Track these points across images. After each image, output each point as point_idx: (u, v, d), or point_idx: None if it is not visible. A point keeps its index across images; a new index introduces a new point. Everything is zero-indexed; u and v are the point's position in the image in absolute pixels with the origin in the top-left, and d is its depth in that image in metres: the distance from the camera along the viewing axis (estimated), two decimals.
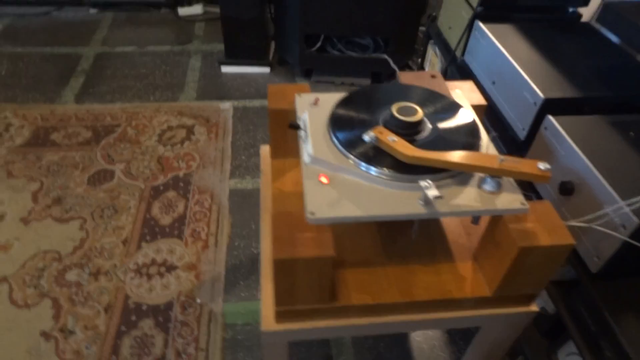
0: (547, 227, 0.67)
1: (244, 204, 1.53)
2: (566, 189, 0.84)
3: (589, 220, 0.72)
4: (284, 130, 0.90)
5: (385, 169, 0.69)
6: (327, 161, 0.72)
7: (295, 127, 0.78)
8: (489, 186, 0.70)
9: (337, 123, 0.78)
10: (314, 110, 0.82)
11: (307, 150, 0.74)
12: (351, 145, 0.73)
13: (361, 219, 0.65)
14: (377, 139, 0.71)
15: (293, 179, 0.93)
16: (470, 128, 0.78)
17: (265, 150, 1.04)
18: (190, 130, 1.83)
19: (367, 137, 0.71)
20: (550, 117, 0.93)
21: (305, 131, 0.77)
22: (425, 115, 0.77)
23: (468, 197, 0.68)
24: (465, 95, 0.91)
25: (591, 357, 0.87)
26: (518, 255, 0.65)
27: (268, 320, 0.73)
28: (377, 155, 0.72)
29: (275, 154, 0.97)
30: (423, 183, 0.65)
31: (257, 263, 1.34)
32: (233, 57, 2.20)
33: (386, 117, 0.78)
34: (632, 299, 0.80)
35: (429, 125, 0.77)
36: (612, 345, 0.82)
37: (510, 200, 0.68)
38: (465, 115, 0.80)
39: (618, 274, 0.82)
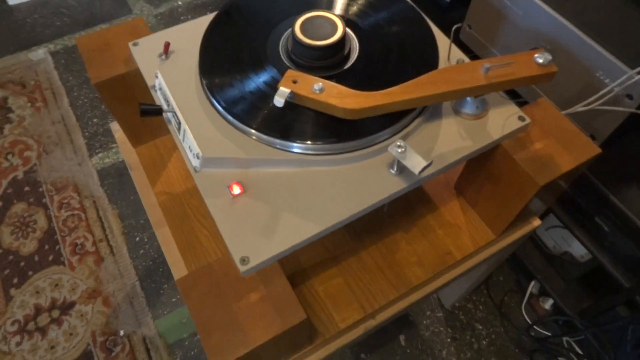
0: (562, 140, 0.48)
1: (125, 183, 1.18)
2: None
3: (590, 103, 0.55)
4: (134, 107, 0.57)
5: (325, 141, 0.43)
6: (229, 157, 0.43)
7: (151, 112, 0.46)
8: (470, 109, 0.47)
9: (217, 83, 0.47)
10: (169, 66, 0.50)
11: (189, 147, 0.44)
12: (257, 117, 0.45)
13: (322, 233, 0.41)
14: (295, 95, 0.43)
15: (179, 172, 0.62)
16: (420, 32, 0.52)
17: (119, 132, 0.69)
18: (3, 107, 1.31)
19: (279, 100, 0.42)
20: None
21: (174, 113, 0.46)
22: (348, 26, 0.49)
23: (450, 137, 0.46)
24: None
25: (579, 228, 0.79)
26: (538, 191, 0.47)
27: None
28: (301, 122, 0.44)
29: (135, 139, 0.64)
30: (394, 149, 0.41)
31: None
32: None
33: (288, 46, 0.49)
34: (630, 173, 0.69)
35: (356, 42, 0.50)
36: (612, 216, 0.74)
37: (505, 117, 0.47)
38: (405, 11, 0.53)
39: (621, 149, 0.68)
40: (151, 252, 1.07)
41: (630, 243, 0.73)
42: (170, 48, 0.51)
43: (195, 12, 1.58)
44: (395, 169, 0.43)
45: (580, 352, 0.96)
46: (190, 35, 0.52)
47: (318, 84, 0.43)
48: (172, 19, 1.56)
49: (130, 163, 0.67)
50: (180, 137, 0.46)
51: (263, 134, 0.44)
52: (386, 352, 0.96)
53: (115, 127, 0.70)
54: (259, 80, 0.47)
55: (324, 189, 0.42)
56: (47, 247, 1.06)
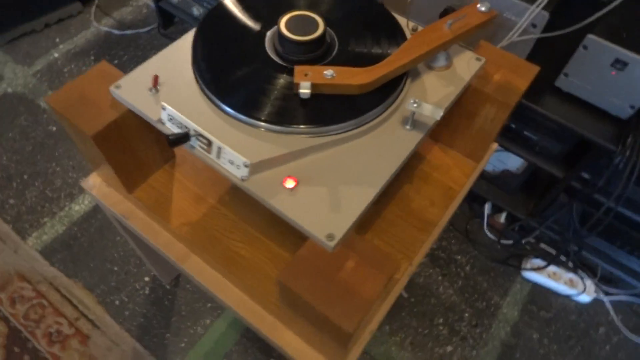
0: (510, 68, 0.60)
1: (77, 253, 1.09)
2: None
3: (510, 37, 0.68)
4: (129, 150, 0.56)
5: (348, 119, 0.49)
6: (274, 156, 0.47)
7: (180, 140, 0.47)
8: (441, 62, 0.56)
9: (230, 96, 0.50)
10: (167, 95, 0.51)
11: (229, 161, 0.46)
12: (284, 114, 0.49)
13: (377, 194, 0.47)
14: (312, 85, 0.48)
15: (188, 201, 0.63)
16: (382, 16, 0.60)
17: (96, 188, 0.66)
18: None
19: (306, 93, 0.47)
20: None
21: (199, 136, 0.48)
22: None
23: (436, 88, 0.54)
24: None
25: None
26: (510, 113, 0.58)
27: None
28: (314, 107, 0.49)
29: (131, 185, 0.62)
30: (411, 105, 0.48)
31: (162, 296, 1.02)
32: None
33: (279, 46, 0.53)
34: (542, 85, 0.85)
35: (332, 34, 0.56)
36: (535, 125, 0.90)
37: (466, 62, 0.57)
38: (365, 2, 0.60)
39: None
40: (137, 308, 1.02)
41: (555, 142, 0.91)
42: (159, 81, 0.52)
43: (77, 60, 1.48)
44: (409, 124, 0.50)
45: (543, 245, 1.14)
46: (170, 61, 0.54)
47: (328, 71, 0.48)
48: (54, 73, 1.45)
49: (122, 213, 0.65)
50: (213, 156, 0.48)
51: (295, 127, 0.48)
52: (394, 309, 1.04)
53: (91, 182, 0.67)
54: (268, 80, 0.51)
55: (361, 158, 0.48)
56: (17, 349, 0.95)
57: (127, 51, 1.51)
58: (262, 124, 0.48)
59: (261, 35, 0.55)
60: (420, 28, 0.59)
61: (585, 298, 1.08)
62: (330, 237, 0.43)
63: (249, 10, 0.58)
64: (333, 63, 0.53)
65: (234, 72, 0.52)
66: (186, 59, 0.54)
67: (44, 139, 1.28)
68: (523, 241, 1.14)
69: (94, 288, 1.04)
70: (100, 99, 0.54)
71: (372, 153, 0.48)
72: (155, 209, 0.61)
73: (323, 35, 0.51)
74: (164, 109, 0.49)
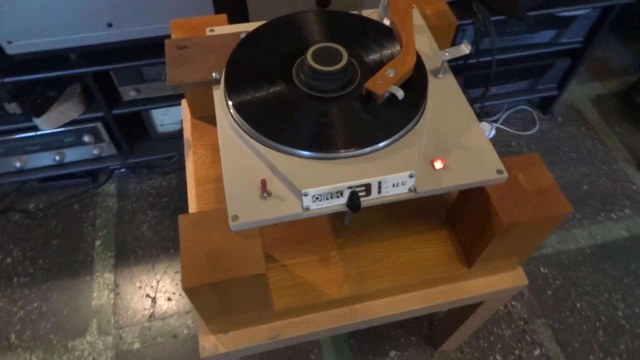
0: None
1: None
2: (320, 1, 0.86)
3: None
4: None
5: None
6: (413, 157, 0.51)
7: (357, 201, 0.47)
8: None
9: (336, 140, 0.51)
10: (275, 188, 0.49)
11: (395, 184, 0.49)
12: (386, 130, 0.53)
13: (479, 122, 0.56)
14: (381, 84, 0.52)
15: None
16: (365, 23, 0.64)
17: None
18: None
19: (402, 94, 0.52)
20: None
21: (359, 185, 0.48)
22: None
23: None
24: None
25: None
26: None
27: None
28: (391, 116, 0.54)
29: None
30: (444, 55, 0.57)
31: None
32: None
33: (311, 80, 0.55)
34: None
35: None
36: None
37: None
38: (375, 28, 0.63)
39: None
40: None
41: None
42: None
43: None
44: (440, 72, 0.60)
45: None
46: (235, 161, 0.51)
47: (388, 71, 0.54)
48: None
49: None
50: (374, 195, 0.49)
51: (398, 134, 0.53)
52: None
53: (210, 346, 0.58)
54: (343, 114, 0.53)
55: (445, 120, 0.56)
56: None
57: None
58: (381, 144, 0.52)
59: (286, 74, 0.56)
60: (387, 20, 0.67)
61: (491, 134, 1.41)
62: (499, 171, 0.52)
63: (267, 65, 0.57)
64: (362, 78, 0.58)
65: (317, 122, 0.52)
66: (247, 152, 0.51)
67: None
68: None
69: None
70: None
71: (447, 111, 0.57)
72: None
73: (344, 66, 0.55)
74: (305, 195, 0.48)
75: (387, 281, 0.61)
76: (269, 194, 0.49)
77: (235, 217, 0.47)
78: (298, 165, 0.50)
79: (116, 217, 1.23)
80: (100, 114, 1.04)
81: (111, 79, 1.00)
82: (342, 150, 0.51)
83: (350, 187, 0.49)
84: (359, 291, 0.60)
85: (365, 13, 0.68)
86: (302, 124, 0.53)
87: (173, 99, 1.07)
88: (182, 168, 1.31)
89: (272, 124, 0.52)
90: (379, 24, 0.64)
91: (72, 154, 1.15)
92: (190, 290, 0.45)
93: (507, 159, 0.55)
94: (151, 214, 1.23)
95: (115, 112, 1.04)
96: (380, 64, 0.58)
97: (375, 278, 0.61)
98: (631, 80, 1.58)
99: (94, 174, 1.28)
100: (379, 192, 0.50)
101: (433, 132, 0.54)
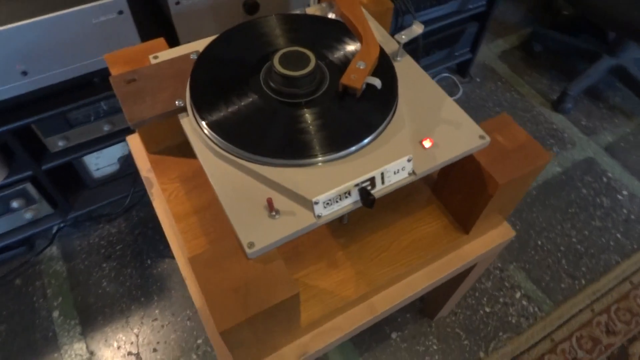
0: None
1: None
2: (251, 6, 0.83)
3: None
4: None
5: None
6: (406, 142, 0.52)
7: (370, 196, 0.46)
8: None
9: (336, 141, 0.50)
10: (282, 205, 0.47)
11: (395, 171, 0.50)
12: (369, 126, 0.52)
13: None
14: (356, 78, 0.52)
15: None
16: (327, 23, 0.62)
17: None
18: None
19: (378, 82, 0.52)
20: None
21: (365, 180, 0.48)
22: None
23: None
24: None
25: None
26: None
27: None
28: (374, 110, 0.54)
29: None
30: (399, 37, 0.59)
31: None
32: None
33: (283, 88, 0.53)
34: None
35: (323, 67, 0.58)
36: None
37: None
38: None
39: None
40: None
41: None
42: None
43: None
44: (398, 56, 0.62)
45: None
46: (232, 185, 0.48)
47: (358, 63, 0.54)
48: None
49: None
50: (378, 187, 0.49)
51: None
52: None
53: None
54: (321, 115, 0.52)
55: (418, 96, 0.58)
56: None
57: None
58: (371, 137, 0.52)
59: (256, 86, 0.54)
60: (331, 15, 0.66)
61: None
62: (482, 137, 0.54)
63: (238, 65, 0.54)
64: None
65: (312, 130, 0.51)
66: (240, 175, 0.49)
67: None
68: None
69: None
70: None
71: (417, 91, 0.58)
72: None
73: (312, 70, 0.54)
74: (316, 203, 0.47)
75: (397, 267, 0.62)
76: (277, 212, 0.47)
77: (251, 244, 0.45)
78: (301, 175, 0.49)
79: (69, 280, 1.11)
80: (28, 173, 0.93)
81: (33, 132, 0.89)
82: (338, 151, 0.50)
83: (356, 185, 0.48)
84: (374, 284, 0.60)
85: (310, 11, 0.67)
86: (290, 134, 0.51)
87: (107, 140, 0.99)
88: (129, 210, 1.22)
89: (261, 140, 0.50)
90: (330, 20, 0.64)
91: (1, 225, 1.01)
92: (226, 333, 0.42)
93: (482, 124, 0.58)
94: (108, 267, 1.13)
95: (44, 167, 0.93)
96: (344, 59, 0.58)
97: (386, 267, 0.61)
98: (526, 32, 1.74)
99: (29, 241, 1.14)
100: (383, 182, 0.50)
101: (412, 114, 0.56)
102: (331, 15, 0.66)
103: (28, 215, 1.02)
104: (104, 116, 0.94)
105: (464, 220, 0.64)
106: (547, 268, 1.16)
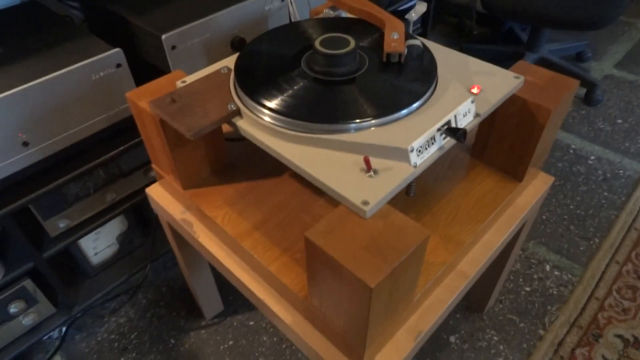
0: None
1: None
2: (238, 42, 0.85)
3: None
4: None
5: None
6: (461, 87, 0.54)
7: (460, 131, 0.47)
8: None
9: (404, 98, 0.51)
10: (379, 164, 0.47)
11: (465, 113, 0.51)
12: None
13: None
14: (396, 45, 0.55)
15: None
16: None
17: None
18: None
19: (419, 44, 0.54)
20: None
21: (448, 122, 0.48)
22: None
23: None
24: None
25: None
26: None
27: None
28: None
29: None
30: (410, 16, 0.63)
31: None
32: None
33: (315, 64, 0.56)
34: None
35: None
36: None
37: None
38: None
39: None
40: None
41: None
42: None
43: None
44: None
45: None
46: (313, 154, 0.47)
47: (392, 34, 0.57)
48: None
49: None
50: (454, 125, 0.50)
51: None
52: None
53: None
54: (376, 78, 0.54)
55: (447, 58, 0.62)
56: None
57: None
58: (427, 94, 0.54)
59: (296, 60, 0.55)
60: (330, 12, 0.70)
61: None
62: (516, 77, 0.58)
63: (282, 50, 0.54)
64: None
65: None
66: (324, 152, 0.48)
67: None
68: None
69: None
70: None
71: (443, 57, 0.62)
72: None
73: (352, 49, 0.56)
74: (412, 150, 0.46)
75: (475, 224, 0.61)
76: (375, 172, 0.46)
77: (366, 202, 0.43)
78: (388, 132, 0.49)
79: None
80: (28, 265, 0.82)
81: (29, 216, 0.81)
82: (414, 103, 0.52)
83: (439, 129, 0.49)
84: (462, 244, 0.59)
85: (322, 16, 0.71)
86: (364, 100, 0.52)
87: (102, 215, 0.91)
88: (134, 295, 1.10)
89: (346, 111, 0.51)
90: (349, 18, 0.68)
91: None
92: (377, 288, 0.39)
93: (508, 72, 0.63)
94: (127, 359, 1.00)
95: (46, 254, 0.84)
96: (373, 45, 0.61)
97: (465, 225, 0.61)
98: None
99: (22, 357, 0.98)
100: (456, 123, 0.51)
101: (450, 73, 0.59)
102: (343, 15, 0.71)
103: (27, 320, 0.89)
104: (103, 185, 0.89)
105: (515, 168, 0.66)
106: (561, 237, 1.20)
